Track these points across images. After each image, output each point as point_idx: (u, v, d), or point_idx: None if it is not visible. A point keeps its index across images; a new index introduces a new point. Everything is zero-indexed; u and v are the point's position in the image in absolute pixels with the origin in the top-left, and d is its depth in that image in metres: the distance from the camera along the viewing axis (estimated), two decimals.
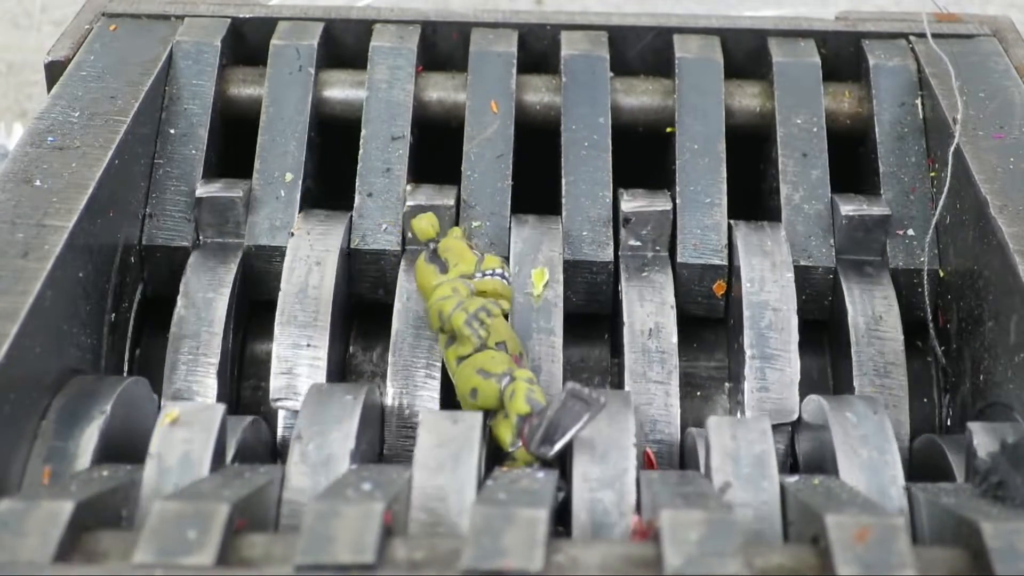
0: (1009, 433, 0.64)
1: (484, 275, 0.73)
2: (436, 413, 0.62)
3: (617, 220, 0.80)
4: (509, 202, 0.81)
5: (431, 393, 0.73)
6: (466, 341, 0.69)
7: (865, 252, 0.80)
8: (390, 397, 0.73)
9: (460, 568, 0.48)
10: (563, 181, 0.83)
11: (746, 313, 0.75)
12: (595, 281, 0.80)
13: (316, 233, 0.78)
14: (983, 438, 0.63)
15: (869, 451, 0.62)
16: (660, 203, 0.80)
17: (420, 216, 0.76)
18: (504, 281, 0.74)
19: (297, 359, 0.73)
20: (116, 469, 0.60)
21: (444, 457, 0.59)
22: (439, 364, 0.74)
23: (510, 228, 0.79)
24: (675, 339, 0.75)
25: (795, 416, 0.72)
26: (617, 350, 0.79)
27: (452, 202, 0.80)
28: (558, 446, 0.62)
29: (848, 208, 0.80)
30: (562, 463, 0.64)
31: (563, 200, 0.82)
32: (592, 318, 0.82)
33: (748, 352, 0.74)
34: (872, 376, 0.75)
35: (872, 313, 0.77)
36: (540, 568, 0.48)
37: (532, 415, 0.64)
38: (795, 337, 0.74)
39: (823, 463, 0.66)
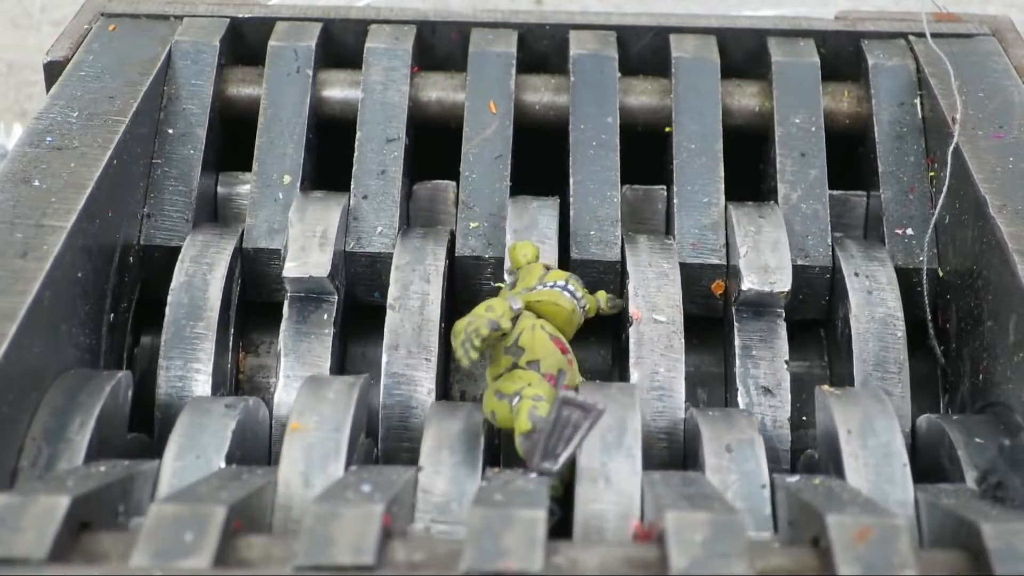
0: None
1: (542, 286, 0.71)
2: (440, 411, 0.62)
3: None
4: (507, 203, 0.81)
5: (423, 396, 0.72)
6: (495, 361, 0.67)
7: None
8: (383, 397, 0.73)
9: (461, 570, 0.48)
10: (571, 180, 0.82)
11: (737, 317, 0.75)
12: (602, 281, 0.80)
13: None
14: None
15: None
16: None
17: (519, 244, 0.75)
18: (563, 292, 0.70)
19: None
20: (113, 464, 0.59)
21: (447, 457, 0.59)
22: (433, 367, 0.73)
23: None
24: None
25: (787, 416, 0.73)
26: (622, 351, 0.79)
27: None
28: (561, 460, 0.59)
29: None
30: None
31: (571, 199, 0.82)
32: (599, 317, 0.82)
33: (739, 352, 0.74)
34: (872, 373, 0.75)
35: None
36: (541, 568, 0.48)
37: (533, 431, 0.62)
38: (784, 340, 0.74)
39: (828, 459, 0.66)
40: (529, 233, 0.78)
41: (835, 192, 0.84)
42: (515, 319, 0.68)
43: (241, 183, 0.86)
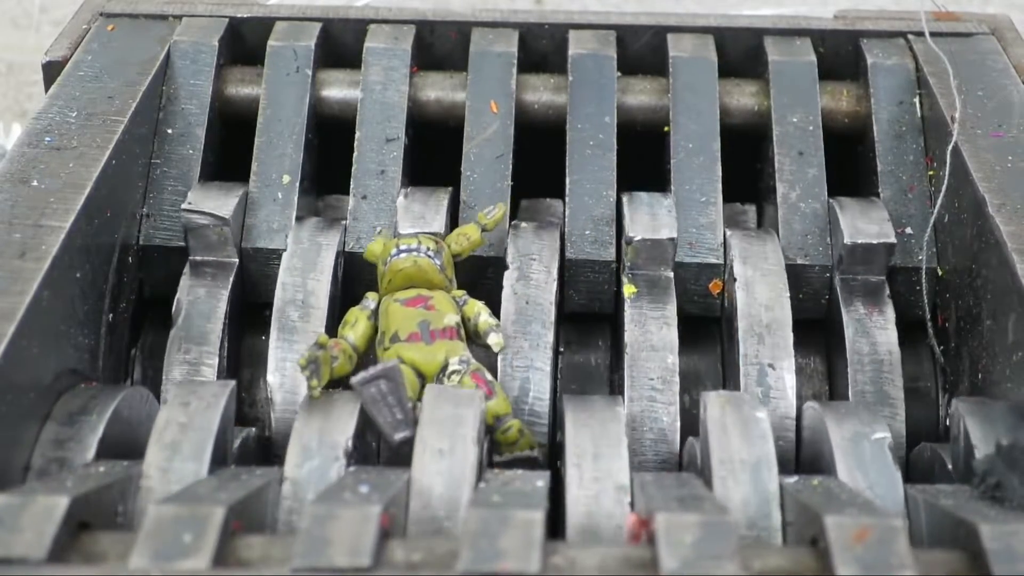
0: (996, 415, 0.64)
1: (391, 259, 0.73)
2: (437, 412, 0.62)
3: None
4: (509, 202, 0.81)
5: None
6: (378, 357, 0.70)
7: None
8: None
9: (458, 571, 0.48)
10: (567, 180, 0.82)
11: (741, 321, 0.74)
12: (597, 281, 0.80)
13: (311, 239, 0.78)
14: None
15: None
16: None
17: (370, 245, 0.76)
18: (413, 255, 0.72)
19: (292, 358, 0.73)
20: (113, 465, 0.60)
21: (442, 456, 0.59)
22: None
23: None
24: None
25: (792, 418, 0.72)
26: (617, 350, 0.79)
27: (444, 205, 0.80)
28: (410, 420, 0.63)
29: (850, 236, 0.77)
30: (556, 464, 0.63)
31: (567, 199, 0.81)
32: (593, 317, 0.82)
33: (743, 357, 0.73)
34: (868, 377, 0.75)
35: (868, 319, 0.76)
36: (538, 569, 0.48)
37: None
38: (790, 342, 0.74)
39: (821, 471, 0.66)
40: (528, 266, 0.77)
41: (860, 240, 0.77)
42: (376, 310, 0.72)
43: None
